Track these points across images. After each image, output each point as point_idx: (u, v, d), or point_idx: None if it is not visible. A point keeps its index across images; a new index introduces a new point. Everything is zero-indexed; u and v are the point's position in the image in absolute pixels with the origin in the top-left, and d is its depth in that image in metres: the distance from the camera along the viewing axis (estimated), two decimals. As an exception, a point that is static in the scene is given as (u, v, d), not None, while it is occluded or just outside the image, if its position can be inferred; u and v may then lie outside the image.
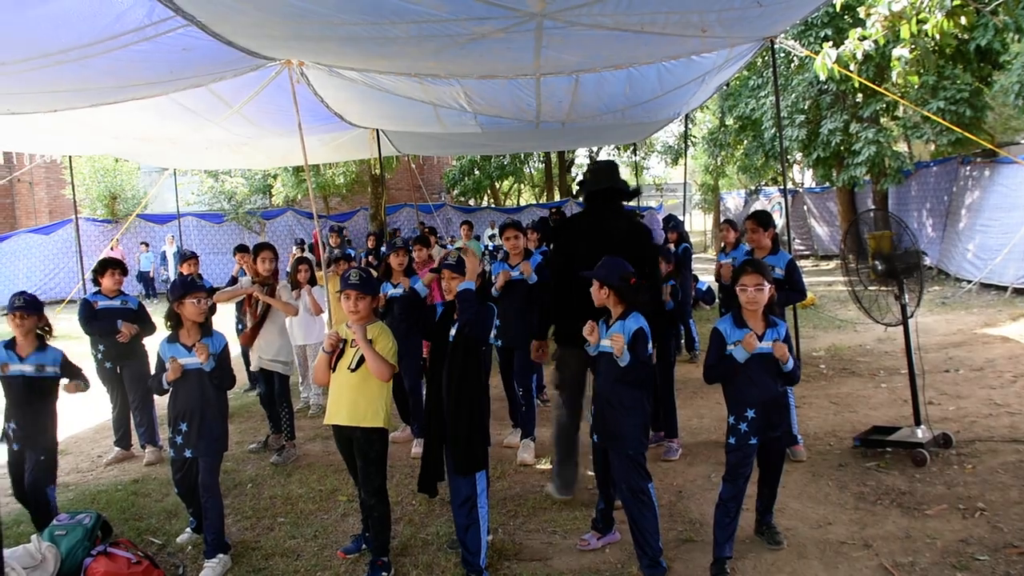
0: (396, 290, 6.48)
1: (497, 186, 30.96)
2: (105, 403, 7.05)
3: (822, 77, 7.87)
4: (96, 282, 6.52)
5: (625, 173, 37.93)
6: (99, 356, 6.59)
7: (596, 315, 4.27)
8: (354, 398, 4.23)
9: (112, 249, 19.88)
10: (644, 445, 4.16)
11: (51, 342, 5.02)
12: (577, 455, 5.20)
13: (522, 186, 35.07)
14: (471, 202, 29.39)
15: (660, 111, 10.41)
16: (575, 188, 6.10)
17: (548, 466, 5.95)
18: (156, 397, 6.39)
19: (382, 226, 17.26)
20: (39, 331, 4.95)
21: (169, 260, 21.08)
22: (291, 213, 23.81)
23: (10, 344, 4.91)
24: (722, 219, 12.28)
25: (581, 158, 30.85)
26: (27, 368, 4.87)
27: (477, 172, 25.24)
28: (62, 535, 4.34)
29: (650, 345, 4.08)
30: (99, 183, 22.76)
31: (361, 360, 4.19)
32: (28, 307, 4.89)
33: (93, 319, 6.43)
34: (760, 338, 4.05)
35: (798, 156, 18.08)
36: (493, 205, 29.99)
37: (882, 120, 16.03)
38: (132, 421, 6.83)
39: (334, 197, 24.54)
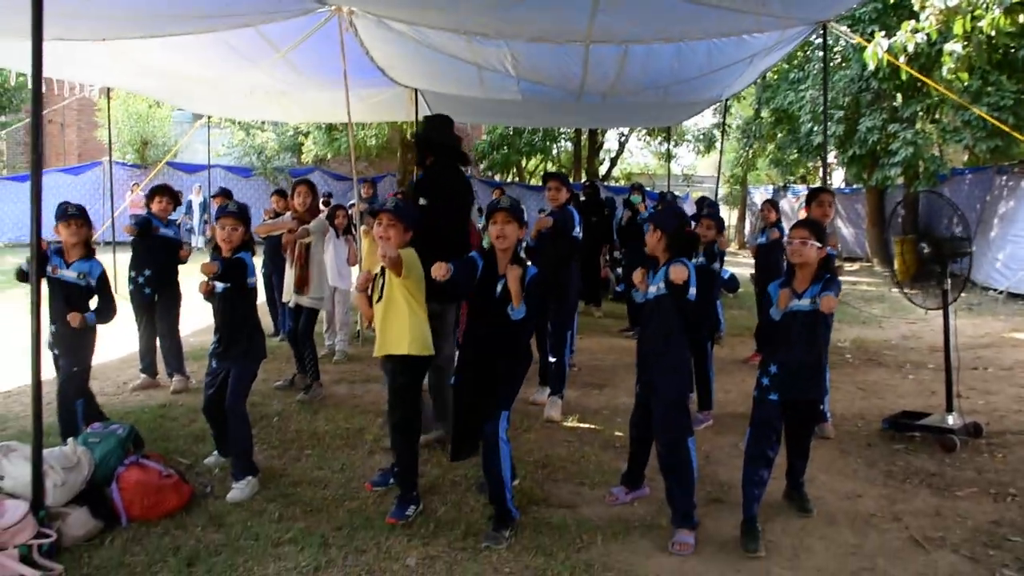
0: None
1: (523, 164, 30.89)
2: (129, 334, 7.11)
3: (871, 66, 7.75)
4: (147, 207, 6.67)
5: (654, 162, 37.93)
6: (140, 280, 6.66)
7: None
8: (387, 328, 4.20)
9: (132, 192, 20.02)
10: (686, 396, 4.13)
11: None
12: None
13: (548, 166, 34.99)
14: (497, 177, 29.31)
15: (704, 91, 10.30)
16: (426, 144, 6.06)
17: (575, 423, 5.96)
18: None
19: (407, 190, 17.25)
20: (87, 244, 5.04)
21: (195, 210, 21.14)
22: (319, 173, 23.80)
23: (59, 250, 5.02)
24: (748, 212, 12.17)
25: (611, 142, 30.71)
26: (70, 274, 4.97)
27: (507, 147, 25.12)
28: (96, 442, 4.35)
29: (693, 290, 4.03)
30: (131, 128, 22.81)
31: (383, 289, 4.16)
32: (82, 214, 5.01)
33: (147, 234, 6.60)
34: (801, 296, 4.00)
35: (833, 153, 17.89)
36: (519, 181, 29.89)
37: (920, 123, 15.84)
38: (159, 350, 6.87)
39: (361, 161, 24.49)
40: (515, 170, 29.99)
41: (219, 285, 4.55)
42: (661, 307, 4.03)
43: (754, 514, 4.01)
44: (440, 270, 3.83)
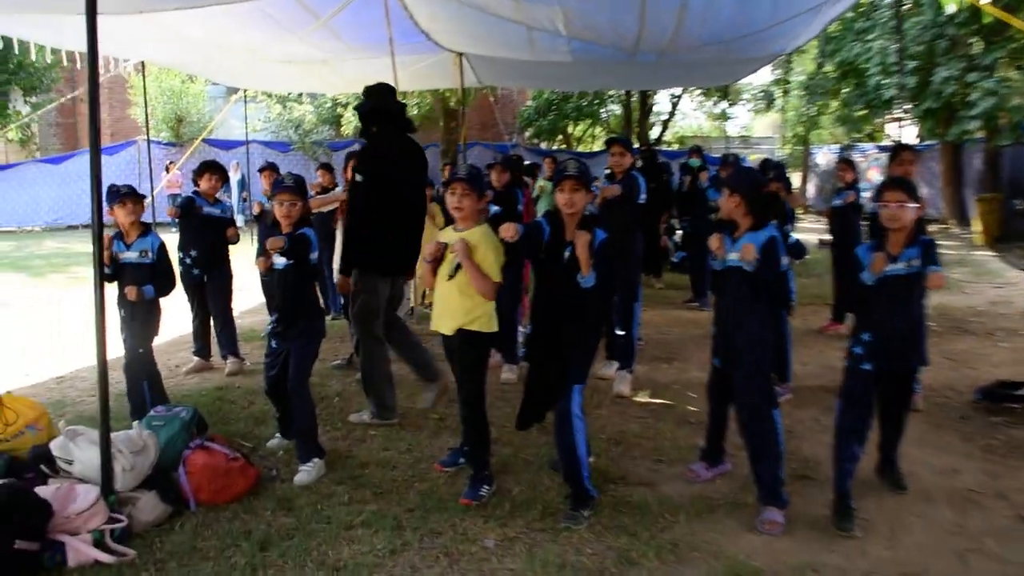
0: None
1: (570, 130, 30.69)
2: (180, 315, 7.24)
3: (949, 10, 7.52)
4: (195, 184, 6.74)
5: (707, 124, 37.42)
6: (188, 262, 6.77)
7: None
8: (454, 305, 4.19)
9: (168, 171, 20.31)
10: (770, 368, 4.08)
11: None
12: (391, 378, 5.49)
13: (596, 131, 34.70)
14: (543, 144, 29.17)
15: (767, 44, 10.05)
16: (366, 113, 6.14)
17: (646, 399, 5.95)
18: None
19: (454, 160, 17.24)
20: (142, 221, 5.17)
21: (233, 187, 21.36)
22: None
23: (118, 234, 5.15)
24: (812, 174, 11.91)
25: (662, 103, 30.34)
26: (132, 255, 5.12)
27: (553, 113, 24.97)
28: (160, 425, 4.46)
29: (784, 260, 3.97)
30: (164, 104, 23.11)
31: (458, 267, 4.15)
32: (134, 193, 5.15)
33: (191, 215, 6.67)
34: (896, 259, 3.91)
35: (905, 107, 17.44)
36: (565, 148, 29.73)
37: (1002, 71, 15.33)
38: (213, 331, 7.00)
39: (402, 132, 24.63)
40: (561, 136, 29.82)
41: (280, 261, 4.59)
42: (742, 275, 3.97)
43: (847, 491, 3.96)
44: (509, 231, 3.86)
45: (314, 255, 4.64)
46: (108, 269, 4.85)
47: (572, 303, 3.99)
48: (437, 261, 4.25)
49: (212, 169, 6.83)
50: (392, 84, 5.55)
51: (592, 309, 4.04)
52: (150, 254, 5.17)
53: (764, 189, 4.08)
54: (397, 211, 5.22)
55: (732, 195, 4.05)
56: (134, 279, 5.05)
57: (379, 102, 5.35)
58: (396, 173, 5.26)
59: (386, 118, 5.32)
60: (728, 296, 4.13)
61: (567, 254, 3.98)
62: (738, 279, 4.01)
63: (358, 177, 5.21)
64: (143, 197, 5.24)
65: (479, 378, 4.29)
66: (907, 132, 24.80)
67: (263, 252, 4.78)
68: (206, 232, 6.77)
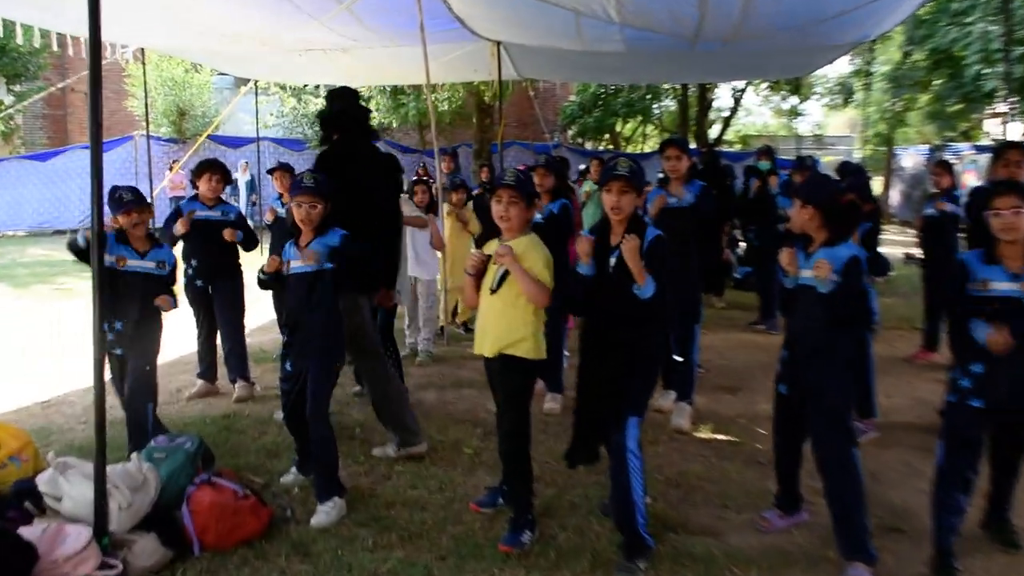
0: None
1: (618, 128, 30.69)
2: (183, 332, 7.30)
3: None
4: (194, 186, 6.78)
5: (774, 121, 37.20)
6: (190, 272, 6.81)
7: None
8: (497, 323, 4.20)
9: (171, 170, 20.56)
10: (850, 401, 4.03)
11: None
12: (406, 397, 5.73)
13: (647, 130, 34.66)
14: (588, 145, 29.20)
15: (849, 30, 9.98)
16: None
17: (708, 434, 5.90)
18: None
19: (490, 161, 17.30)
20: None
21: (241, 190, 21.60)
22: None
23: (121, 238, 5.16)
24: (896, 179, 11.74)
25: (723, 98, 30.26)
26: (149, 264, 5.18)
27: (600, 109, 24.99)
28: (161, 458, 4.49)
29: (865, 277, 3.92)
30: (165, 96, 23.30)
31: (502, 280, 4.15)
32: (141, 200, 5.20)
33: (171, 223, 6.70)
34: (1017, 277, 3.81)
35: (1010, 101, 17.17)
36: (612, 149, 29.72)
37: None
38: (220, 351, 7.06)
39: (430, 129, 24.70)
40: (609, 135, 29.84)
41: (299, 265, 4.64)
42: (816, 295, 3.93)
43: (949, 548, 3.90)
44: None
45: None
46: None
47: (627, 318, 3.98)
48: (480, 274, 4.26)
49: (212, 169, 6.81)
50: (352, 88, 5.92)
51: (653, 325, 4.02)
52: (167, 266, 5.27)
53: (843, 199, 4.03)
54: (369, 221, 5.32)
55: (805, 207, 4.01)
56: (144, 290, 5.11)
57: (343, 105, 5.59)
58: (365, 179, 5.41)
59: (350, 123, 5.52)
60: (800, 318, 4.09)
61: (613, 260, 3.99)
62: (811, 299, 3.97)
63: None
64: (149, 204, 5.30)
65: (523, 409, 4.28)
66: (1011, 129, 24.42)
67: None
68: (206, 239, 6.72)
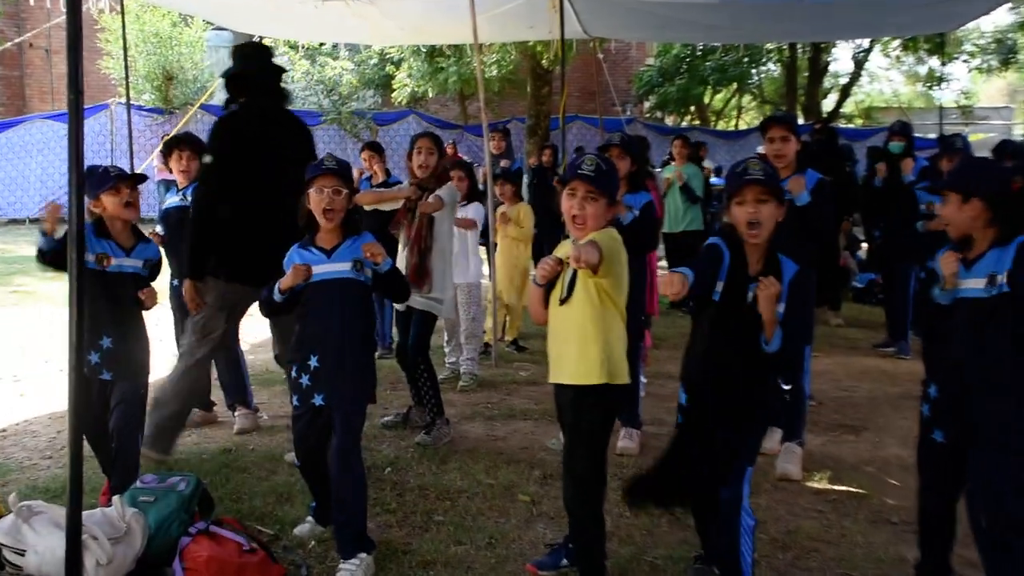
0: None
1: (706, 100, 30.59)
2: (169, 348, 7.35)
3: None
4: (167, 167, 6.87)
5: (906, 89, 36.69)
6: (170, 274, 6.79)
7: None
8: (567, 343, 4.16)
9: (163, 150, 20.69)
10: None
11: None
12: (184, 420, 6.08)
13: (743, 102, 34.52)
14: (668, 120, 29.11)
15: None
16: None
17: (824, 484, 5.84)
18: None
19: (547, 140, 17.35)
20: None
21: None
22: (414, 118, 24.26)
23: (101, 230, 5.07)
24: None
25: (842, 61, 30.01)
26: (136, 263, 5.16)
27: (683, 76, 24.90)
28: (149, 501, 4.53)
29: None
30: (148, 56, 23.26)
31: (573, 284, 4.10)
32: (133, 176, 5.16)
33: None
34: None
35: None
36: (699, 125, 29.55)
37: None
38: (215, 373, 7.09)
39: (473, 100, 24.66)
40: (695, 108, 29.75)
41: (331, 270, 4.63)
42: (991, 312, 3.85)
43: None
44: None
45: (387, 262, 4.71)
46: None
47: (750, 365, 3.98)
48: (551, 284, 4.22)
49: (183, 145, 6.80)
50: (264, 44, 6.32)
51: (775, 375, 4.05)
52: (151, 266, 5.27)
53: (1015, 187, 3.95)
54: (257, 201, 5.55)
55: (969, 201, 3.93)
56: (121, 296, 5.07)
57: (249, 65, 5.82)
58: (263, 152, 5.63)
59: (257, 86, 5.82)
60: (963, 342, 3.99)
61: (751, 295, 3.95)
62: (981, 318, 3.89)
63: (206, 158, 5.63)
64: (142, 179, 5.29)
65: (600, 448, 4.24)
66: None
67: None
68: (180, 234, 6.54)
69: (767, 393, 4.03)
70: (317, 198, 4.62)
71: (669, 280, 3.80)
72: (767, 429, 4.15)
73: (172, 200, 6.87)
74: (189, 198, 6.59)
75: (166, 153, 6.94)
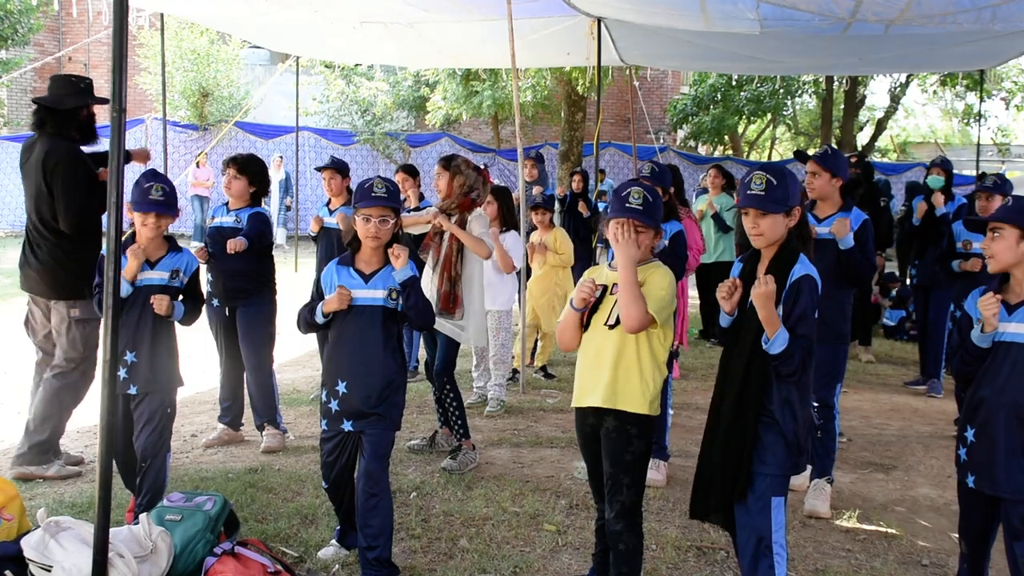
0: None
1: (740, 130, 30.57)
2: (200, 364, 7.36)
3: None
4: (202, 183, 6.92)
5: (942, 124, 36.48)
6: (209, 290, 6.78)
7: None
8: (613, 369, 4.14)
9: (198, 166, 20.82)
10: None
11: None
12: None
13: (778, 132, 34.48)
14: (702, 150, 29.07)
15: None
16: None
17: (852, 523, 5.79)
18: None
19: (578, 163, 17.31)
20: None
21: (273, 190, 21.87)
22: (447, 140, 24.30)
23: (129, 242, 5.13)
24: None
25: (878, 95, 29.95)
26: (162, 275, 5.19)
27: (718, 106, 24.88)
28: (175, 520, 4.55)
29: None
30: (185, 73, 23.45)
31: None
32: (172, 205, 5.18)
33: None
34: None
35: None
36: (732, 156, 29.51)
37: None
38: (245, 390, 7.11)
39: (508, 124, 24.70)
40: (728, 138, 29.72)
41: (368, 296, 4.67)
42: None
43: None
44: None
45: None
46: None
47: (758, 374, 3.95)
48: (590, 309, 4.23)
49: (229, 163, 6.92)
50: (78, 76, 6.68)
51: (783, 388, 3.96)
52: (182, 276, 5.27)
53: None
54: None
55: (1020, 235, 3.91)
56: (152, 308, 5.10)
57: (51, 96, 6.39)
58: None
59: (57, 117, 6.27)
60: (1003, 388, 3.96)
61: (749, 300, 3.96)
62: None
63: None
64: (177, 212, 5.33)
65: (643, 478, 4.27)
66: None
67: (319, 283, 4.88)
68: (223, 250, 6.68)
69: (778, 404, 3.95)
70: (364, 227, 4.64)
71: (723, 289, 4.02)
72: (791, 459, 4.04)
73: (223, 219, 6.89)
74: (232, 218, 6.84)
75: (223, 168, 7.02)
